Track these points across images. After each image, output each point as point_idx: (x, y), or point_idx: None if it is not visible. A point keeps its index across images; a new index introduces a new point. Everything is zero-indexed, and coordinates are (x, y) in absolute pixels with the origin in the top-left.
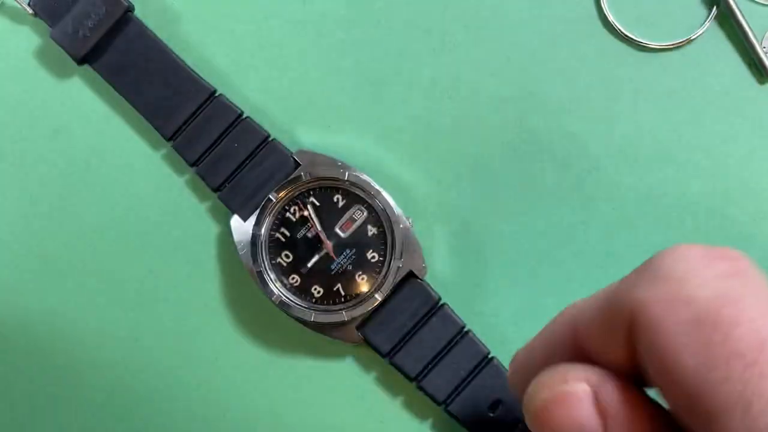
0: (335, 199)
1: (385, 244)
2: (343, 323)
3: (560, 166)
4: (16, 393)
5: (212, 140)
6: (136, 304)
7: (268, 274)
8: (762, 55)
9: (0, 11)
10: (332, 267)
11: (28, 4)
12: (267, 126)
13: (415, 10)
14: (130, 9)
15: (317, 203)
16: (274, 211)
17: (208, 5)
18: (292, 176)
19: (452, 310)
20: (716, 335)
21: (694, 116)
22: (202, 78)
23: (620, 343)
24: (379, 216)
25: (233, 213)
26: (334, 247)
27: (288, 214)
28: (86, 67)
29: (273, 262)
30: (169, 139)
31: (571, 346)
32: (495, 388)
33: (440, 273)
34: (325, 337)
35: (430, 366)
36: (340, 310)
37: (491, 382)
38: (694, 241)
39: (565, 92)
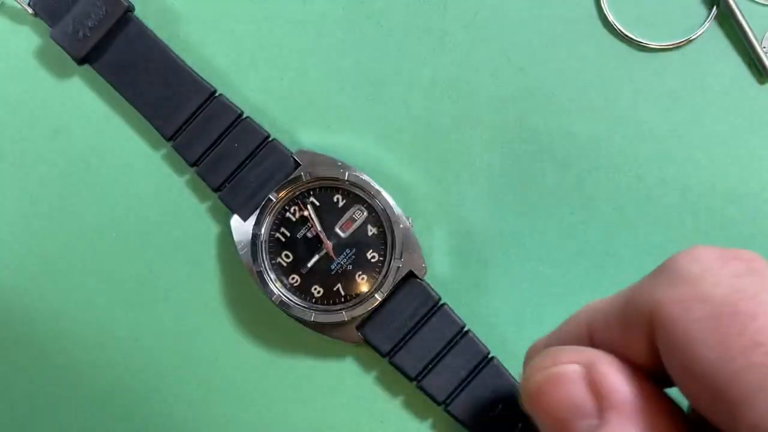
0: (335, 199)
1: (385, 244)
2: (343, 323)
3: (560, 166)
4: (16, 393)
5: (212, 140)
6: (136, 304)
7: (268, 274)
8: (762, 55)
9: (0, 11)
10: (332, 267)
11: (28, 4)
12: (267, 126)
13: (415, 10)
14: (130, 9)
15: (317, 203)
16: (274, 211)
17: (208, 5)
18: (292, 176)
19: (452, 310)
20: (734, 327)
21: (694, 116)
22: (202, 78)
23: (639, 344)
24: (379, 216)
25: (233, 213)
26: (334, 247)
27: (288, 214)
28: (86, 67)
29: (273, 262)
30: (169, 139)
31: (589, 343)
32: (495, 388)
33: (440, 273)
34: (325, 337)
35: (430, 366)
36: (340, 310)
37: (491, 382)
38: (694, 241)
39: (565, 92)
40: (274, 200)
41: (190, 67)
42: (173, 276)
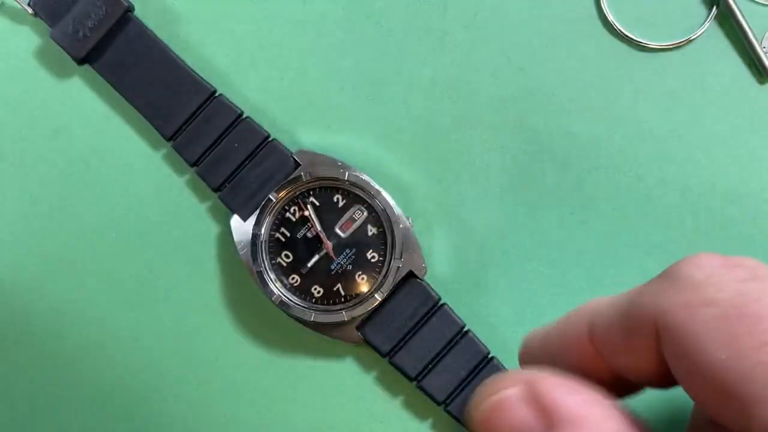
0: (335, 199)
1: (385, 244)
2: (343, 323)
3: (560, 166)
4: (16, 393)
5: (212, 140)
6: (136, 304)
7: (268, 274)
8: (762, 55)
9: (0, 11)
10: (332, 267)
11: (28, 4)
12: (267, 126)
13: (415, 10)
14: (130, 9)
15: (317, 203)
16: (274, 211)
17: (208, 5)
18: (292, 176)
19: (452, 310)
20: (742, 328)
21: (694, 116)
22: (202, 78)
23: (643, 349)
24: (379, 216)
25: (233, 213)
26: (334, 247)
27: (288, 214)
28: (86, 67)
29: (273, 262)
30: (169, 139)
31: (587, 342)
32: None
33: (440, 273)
34: (325, 337)
35: (430, 366)
36: (340, 310)
37: None
38: (694, 241)
39: (565, 92)
40: (274, 200)
41: (190, 67)
42: (173, 276)
